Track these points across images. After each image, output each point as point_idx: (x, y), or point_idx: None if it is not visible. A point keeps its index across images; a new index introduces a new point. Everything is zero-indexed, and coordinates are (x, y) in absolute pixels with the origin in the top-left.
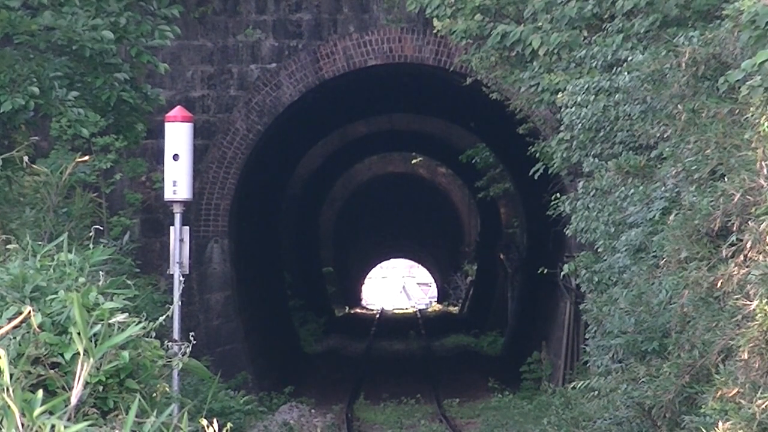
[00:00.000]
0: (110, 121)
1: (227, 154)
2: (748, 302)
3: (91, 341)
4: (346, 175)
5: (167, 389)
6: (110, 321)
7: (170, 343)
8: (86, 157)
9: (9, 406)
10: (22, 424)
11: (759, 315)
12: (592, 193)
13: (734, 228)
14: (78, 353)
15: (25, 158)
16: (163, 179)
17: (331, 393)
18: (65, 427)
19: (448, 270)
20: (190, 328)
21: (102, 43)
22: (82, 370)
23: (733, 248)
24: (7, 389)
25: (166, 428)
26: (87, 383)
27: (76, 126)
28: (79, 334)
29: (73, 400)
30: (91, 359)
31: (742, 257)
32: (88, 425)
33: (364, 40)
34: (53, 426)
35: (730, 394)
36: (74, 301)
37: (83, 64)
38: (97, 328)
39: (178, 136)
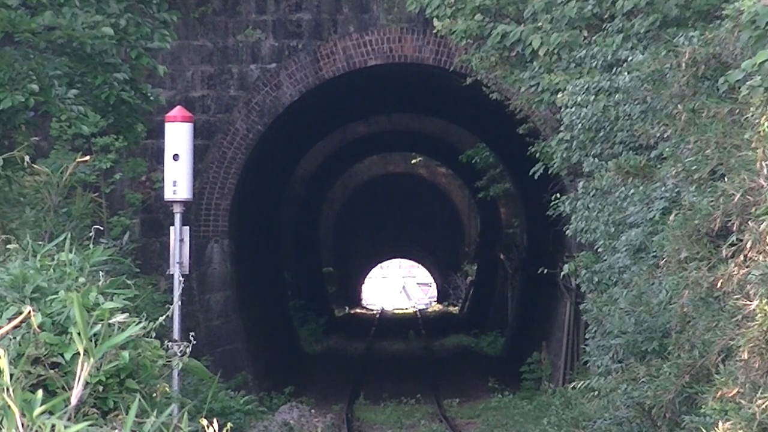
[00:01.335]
0: (110, 121)
1: (227, 154)
2: (748, 302)
3: (90, 341)
4: (346, 175)
5: (167, 389)
6: (110, 321)
7: (170, 343)
8: (86, 158)
9: (9, 406)
10: (22, 424)
11: (759, 315)
12: (592, 193)
13: (734, 228)
14: (78, 353)
15: (27, 158)
16: (163, 179)
17: (331, 393)
18: (65, 427)
19: (448, 270)
20: (190, 328)
21: (102, 39)
22: (82, 370)
23: (733, 248)
24: (7, 389)
25: (166, 428)
26: (87, 383)
27: (76, 123)
28: (79, 334)
29: (74, 401)
30: (92, 359)
31: (742, 257)
32: (89, 425)
33: (364, 40)
34: (53, 426)
35: (730, 394)
36: (74, 301)
37: (83, 63)
38: (97, 328)
39: (178, 136)
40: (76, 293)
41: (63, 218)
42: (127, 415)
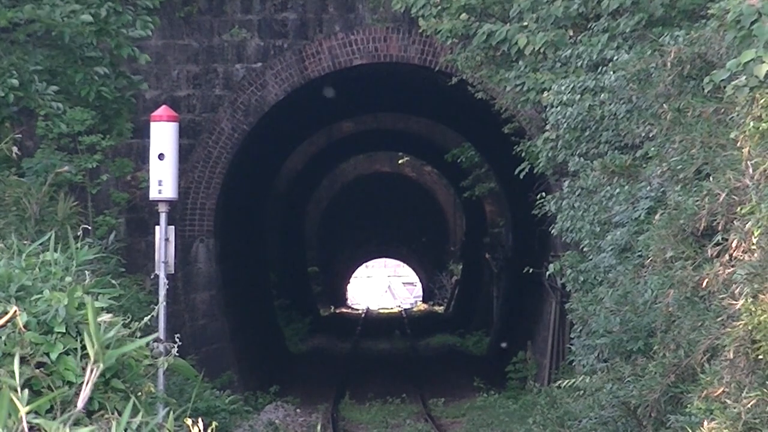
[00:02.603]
0: (95, 114)
1: (213, 153)
2: (734, 301)
3: (78, 342)
4: (331, 174)
5: (152, 389)
6: (96, 321)
7: (155, 343)
8: (65, 168)
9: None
10: (7, 426)
11: (744, 314)
12: (577, 193)
13: (719, 227)
14: (64, 353)
15: (15, 149)
16: (148, 179)
17: (317, 392)
18: (70, 429)
19: (433, 269)
20: (175, 327)
21: (81, 27)
22: (91, 374)
23: (719, 248)
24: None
25: (151, 428)
26: (71, 384)
27: (54, 121)
28: (91, 339)
29: (80, 404)
30: (101, 365)
31: (727, 256)
32: (92, 429)
33: (349, 39)
34: (58, 429)
35: (716, 394)
36: (88, 305)
37: (63, 54)
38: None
39: (163, 135)
40: (90, 298)
41: (44, 225)
42: (113, 415)
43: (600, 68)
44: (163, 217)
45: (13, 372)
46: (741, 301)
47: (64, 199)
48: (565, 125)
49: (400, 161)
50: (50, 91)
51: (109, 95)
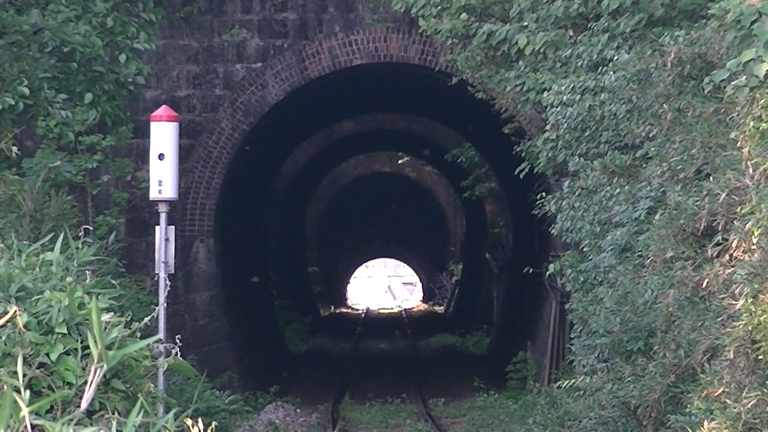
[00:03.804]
0: (98, 115)
1: (213, 153)
2: (734, 302)
3: (78, 343)
4: (331, 174)
5: (153, 389)
6: (99, 321)
7: (156, 343)
8: (57, 163)
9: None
10: (9, 426)
11: (744, 314)
12: (577, 193)
13: (720, 227)
14: (65, 354)
15: (14, 149)
16: (148, 179)
17: (317, 392)
18: (74, 430)
19: (433, 269)
20: (175, 327)
21: (93, 48)
22: (95, 375)
23: (719, 248)
24: None
25: (151, 428)
26: (72, 384)
27: (63, 129)
28: (94, 339)
29: (84, 405)
30: (105, 365)
31: (727, 257)
32: (96, 430)
33: (349, 39)
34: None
35: (716, 394)
36: (93, 306)
37: (72, 71)
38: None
39: (163, 135)
40: (95, 300)
41: (40, 223)
42: (114, 415)
43: (600, 68)
44: (163, 217)
45: (15, 372)
46: (741, 301)
47: (56, 195)
48: (565, 125)
49: (400, 161)
50: (59, 99)
51: (114, 110)
